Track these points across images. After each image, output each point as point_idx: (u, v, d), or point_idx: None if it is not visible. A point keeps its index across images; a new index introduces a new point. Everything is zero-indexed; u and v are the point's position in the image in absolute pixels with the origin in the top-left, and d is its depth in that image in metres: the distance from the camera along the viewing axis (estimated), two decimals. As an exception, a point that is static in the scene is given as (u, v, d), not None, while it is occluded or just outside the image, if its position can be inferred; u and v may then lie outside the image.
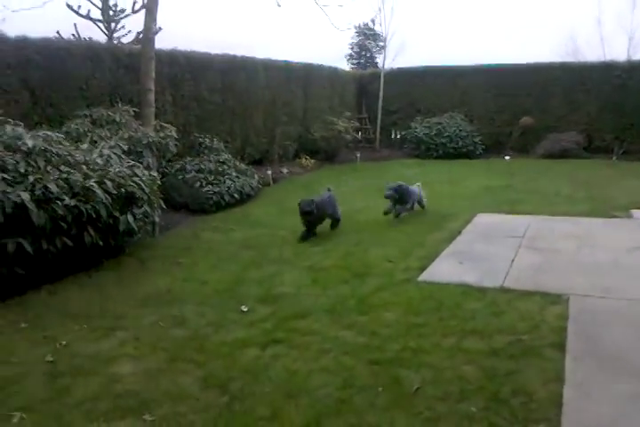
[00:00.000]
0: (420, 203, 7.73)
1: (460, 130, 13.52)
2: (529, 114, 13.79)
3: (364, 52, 25.75)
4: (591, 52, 29.75)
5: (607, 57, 16.73)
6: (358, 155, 13.26)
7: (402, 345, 3.63)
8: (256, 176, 9.20)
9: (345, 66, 24.44)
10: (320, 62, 13.74)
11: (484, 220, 7.18)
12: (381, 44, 25.93)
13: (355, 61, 25.74)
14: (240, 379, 3.26)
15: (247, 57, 11.20)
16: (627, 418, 2.75)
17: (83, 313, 4.27)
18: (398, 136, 15.38)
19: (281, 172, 10.80)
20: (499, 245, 5.95)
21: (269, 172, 10.14)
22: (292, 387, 3.17)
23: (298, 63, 12.75)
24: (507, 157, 13.48)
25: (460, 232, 6.53)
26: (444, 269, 5.18)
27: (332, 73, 14.23)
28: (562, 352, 3.43)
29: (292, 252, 5.96)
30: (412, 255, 5.66)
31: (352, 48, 25.57)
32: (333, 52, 39.29)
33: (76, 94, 7.80)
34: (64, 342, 3.75)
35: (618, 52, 25.55)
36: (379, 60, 24.41)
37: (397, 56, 21.52)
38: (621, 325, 3.83)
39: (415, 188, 7.62)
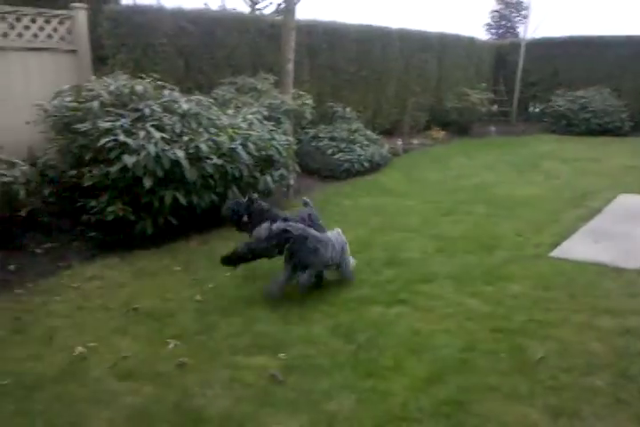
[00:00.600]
0: (339, 266, 4.18)
1: (607, 105, 12.51)
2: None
3: (503, 22, 24.42)
4: None
5: None
6: (493, 128, 12.80)
7: (527, 317, 3.63)
8: (386, 146, 9.28)
9: (483, 35, 23.39)
10: (457, 32, 13.32)
11: (627, 200, 6.74)
12: (523, 12, 24.41)
13: (493, 31, 24.53)
14: (365, 331, 3.46)
15: (382, 26, 11.16)
16: None
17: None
18: (536, 110, 14.57)
19: (411, 143, 10.77)
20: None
21: (399, 142, 10.17)
22: (414, 343, 3.32)
23: (433, 33, 12.45)
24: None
25: (599, 211, 6.21)
26: (579, 247, 4.99)
27: (469, 43, 13.72)
28: None
29: (420, 220, 6.03)
30: (545, 231, 5.50)
31: (491, 17, 24.35)
32: (471, 22, 37.67)
33: (223, 63, 8.31)
34: (211, 285, 4.19)
35: None
36: (520, 29, 23.09)
37: (540, 25, 20.24)
38: None
39: (333, 234, 4.26)
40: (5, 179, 4.38)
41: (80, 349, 3.22)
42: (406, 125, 11.48)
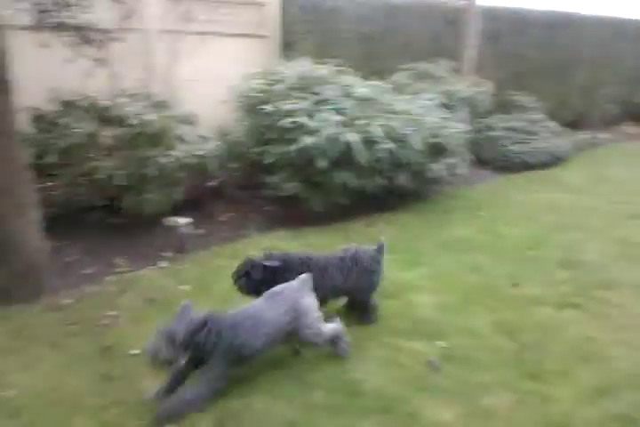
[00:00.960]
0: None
1: None
2: None
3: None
4: None
5: None
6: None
7: None
8: (569, 139, 8.61)
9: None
10: None
11: None
12: None
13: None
14: (531, 332, 3.30)
15: (570, 12, 10.27)
16: None
17: (390, 246, 4.74)
18: None
19: (598, 137, 9.85)
20: None
21: (585, 136, 9.35)
22: (586, 351, 3.09)
23: (629, 19, 11.16)
24: None
25: None
26: None
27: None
28: None
29: (602, 221, 5.53)
30: None
31: None
32: None
33: (402, 49, 8.28)
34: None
35: None
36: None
37: None
38: None
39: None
40: (200, 152, 4.84)
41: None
42: (594, 118, 10.51)
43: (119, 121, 4.55)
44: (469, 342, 3.18)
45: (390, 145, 5.33)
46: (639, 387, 2.75)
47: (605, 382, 2.80)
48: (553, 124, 8.59)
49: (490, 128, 8.20)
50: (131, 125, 4.48)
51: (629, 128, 10.52)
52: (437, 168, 5.83)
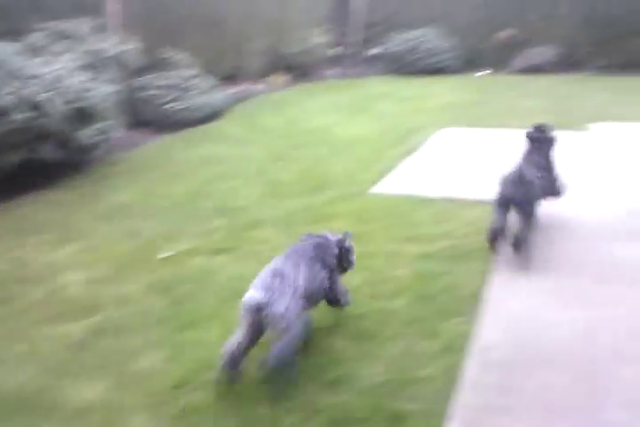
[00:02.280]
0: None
1: (436, 45, 13.12)
2: (507, 27, 13.35)
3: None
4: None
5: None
6: (334, 71, 12.92)
7: (345, 251, 3.79)
8: (225, 92, 9.01)
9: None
10: None
11: (444, 135, 7.19)
12: None
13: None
14: (185, 285, 3.42)
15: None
16: (540, 309, 2.95)
17: (39, 228, 4.35)
18: (375, 51, 14.91)
19: (252, 88, 10.55)
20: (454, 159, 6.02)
21: (240, 88, 9.91)
22: (234, 289, 3.30)
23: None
24: (481, 73, 13.22)
25: (419, 147, 6.56)
26: (399, 182, 5.26)
27: (306, -17, 13.51)
28: (494, 255, 3.60)
29: (255, 167, 5.99)
30: (371, 169, 5.71)
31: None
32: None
33: (34, 4, 7.38)
34: (18, 255, 3.86)
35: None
36: None
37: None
38: (557, 229, 3.99)
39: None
40: None
41: None
42: (248, 71, 11.19)
43: None
44: (123, 310, 3.14)
45: (25, 114, 4.80)
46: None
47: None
48: (209, 80, 8.84)
49: (144, 88, 8.04)
50: None
51: (277, 78, 11.50)
52: (87, 135, 5.50)
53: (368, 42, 15.08)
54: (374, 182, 5.25)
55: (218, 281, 3.47)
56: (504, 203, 3.49)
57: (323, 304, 2.85)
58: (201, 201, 4.95)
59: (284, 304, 2.35)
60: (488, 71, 13.20)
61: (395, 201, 4.71)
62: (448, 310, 2.97)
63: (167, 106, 7.80)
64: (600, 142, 6.48)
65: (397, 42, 13.40)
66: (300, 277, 2.53)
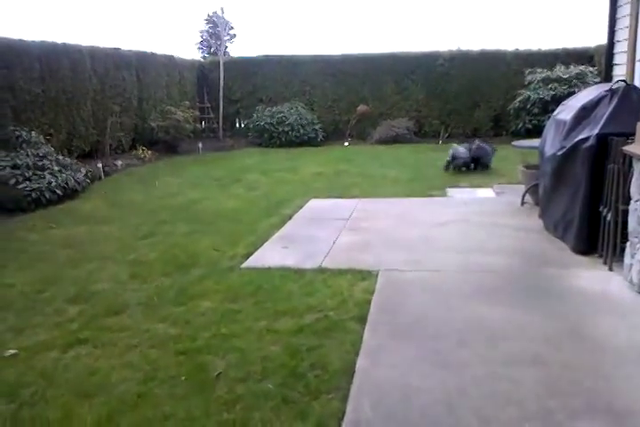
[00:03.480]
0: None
1: (301, 118, 13.80)
2: (365, 102, 14.44)
3: (214, 41, 25.43)
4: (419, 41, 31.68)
5: (433, 47, 17.85)
6: (200, 145, 13.01)
7: (213, 332, 3.63)
8: (83, 170, 8.64)
9: (197, 55, 24.05)
10: (164, 51, 13.28)
11: (315, 204, 7.41)
12: (231, 33, 25.88)
13: (206, 50, 25.37)
14: (33, 385, 3.05)
15: (70, 44, 10.44)
16: (408, 377, 2.98)
17: None
18: (242, 125, 15.34)
19: (114, 164, 10.26)
20: (325, 227, 6.17)
21: (100, 165, 9.58)
22: (89, 386, 3.03)
23: (129, 51, 12.14)
24: (345, 144, 14.05)
25: (290, 217, 6.67)
26: (269, 255, 5.25)
27: (169, 61, 13.76)
28: (362, 324, 3.64)
29: (116, 246, 5.70)
30: (242, 242, 5.67)
31: (202, 36, 25.17)
32: (185, 41, 38.19)
33: None
34: None
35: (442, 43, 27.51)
36: (230, 48, 24.41)
37: (240, 44, 21.49)
38: (419, 293, 4.16)
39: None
40: None
41: None
42: (107, 147, 10.91)
43: None
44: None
45: None
46: (138, 406, 2.83)
47: (106, 412, 2.78)
48: (63, 158, 8.47)
49: (-7, 168, 7.49)
50: None
51: (142, 153, 11.33)
52: None
53: (235, 116, 15.51)
54: (245, 257, 5.20)
55: (72, 377, 3.14)
56: None
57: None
58: (57, 287, 4.56)
59: None
60: (346, 143, 14.03)
61: (265, 275, 4.67)
62: (319, 388, 2.90)
63: (20, 186, 7.30)
64: (456, 206, 7.01)
65: (265, 116, 13.89)
66: None
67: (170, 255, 5.36)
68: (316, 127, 14.10)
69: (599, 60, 12.60)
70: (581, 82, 11.93)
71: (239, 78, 15.13)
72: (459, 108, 14.13)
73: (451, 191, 7.91)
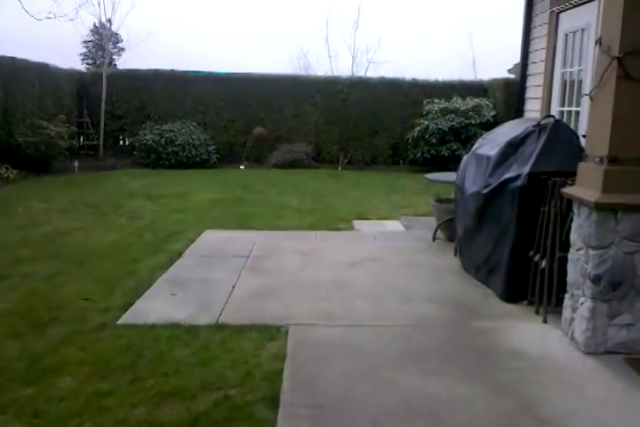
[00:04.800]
0: None
1: (193, 138, 12.82)
2: (262, 124, 13.77)
3: (100, 53, 23.80)
4: (320, 67, 31.93)
5: (334, 72, 17.73)
6: (76, 164, 11.58)
7: (74, 429, 2.68)
8: None
9: (80, 66, 22.22)
10: (54, 61, 11.73)
11: (210, 237, 6.52)
12: (120, 45, 24.37)
13: (91, 61, 23.67)
14: None
15: None
16: None
17: None
18: (127, 143, 14.04)
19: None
20: (222, 267, 5.32)
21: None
22: None
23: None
24: (242, 167, 13.26)
25: (180, 254, 5.75)
26: (153, 306, 4.30)
27: (43, 70, 12.22)
28: (274, 409, 2.85)
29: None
30: (119, 289, 4.68)
31: (87, 47, 23.45)
32: (68, 51, 35.50)
33: None
34: None
35: (343, 68, 27.80)
36: (117, 61, 22.97)
37: (130, 57, 20.23)
38: (340, 358, 3.45)
39: None
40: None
41: None
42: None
43: None
44: None
45: None
46: None
47: None
48: None
49: None
50: None
51: (5, 172, 9.76)
52: None
53: (118, 133, 14.20)
54: (122, 309, 4.22)
55: None
56: None
57: None
58: None
59: None
60: (242, 166, 13.26)
61: (148, 336, 3.73)
62: None
63: None
64: (366, 241, 6.44)
65: (153, 134, 12.74)
66: None
67: (24, 307, 4.24)
68: (210, 149, 13.18)
69: (493, 94, 12.97)
70: (477, 114, 12.11)
71: (125, 93, 13.89)
72: (358, 135, 13.88)
73: (357, 224, 7.38)
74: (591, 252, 3.38)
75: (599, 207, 3.26)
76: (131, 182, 10.43)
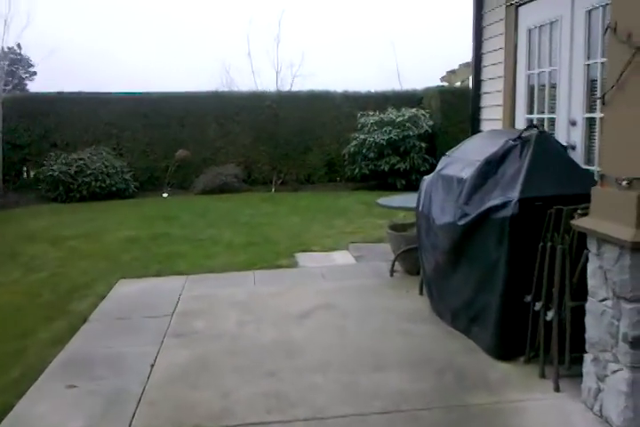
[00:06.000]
0: None
1: (107, 166, 11.45)
2: (185, 146, 12.58)
3: (10, 78, 21.89)
4: (244, 83, 30.87)
5: (259, 88, 16.76)
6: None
7: None
8: None
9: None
10: None
11: (125, 290, 5.35)
12: (31, 69, 22.65)
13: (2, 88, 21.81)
14: None
15: None
16: None
17: None
18: (31, 176, 12.47)
19: None
20: (138, 334, 4.20)
21: None
22: None
23: None
24: (164, 195, 12.00)
25: (85, 319, 4.56)
26: (41, 410, 3.13)
27: None
28: None
29: None
30: (5, 375, 3.48)
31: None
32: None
33: None
34: None
35: (268, 84, 26.89)
36: (30, 86, 21.38)
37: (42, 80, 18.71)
38: None
39: None
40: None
41: None
42: None
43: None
44: None
45: None
46: None
47: None
48: None
49: None
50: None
51: None
52: None
53: (23, 164, 12.63)
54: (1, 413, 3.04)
55: None
56: None
57: None
58: None
59: None
60: (165, 194, 12.01)
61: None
62: None
63: None
64: (313, 281, 5.45)
65: (60, 164, 11.28)
66: None
67: None
68: (127, 176, 11.83)
69: (429, 103, 12.41)
70: (414, 125, 11.47)
71: (27, 119, 12.34)
72: (290, 153, 12.93)
73: (301, 258, 6.38)
74: (625, 305, 2.56)
75: (637, 247, 2.43)
76: (33, 222, 8.98)
